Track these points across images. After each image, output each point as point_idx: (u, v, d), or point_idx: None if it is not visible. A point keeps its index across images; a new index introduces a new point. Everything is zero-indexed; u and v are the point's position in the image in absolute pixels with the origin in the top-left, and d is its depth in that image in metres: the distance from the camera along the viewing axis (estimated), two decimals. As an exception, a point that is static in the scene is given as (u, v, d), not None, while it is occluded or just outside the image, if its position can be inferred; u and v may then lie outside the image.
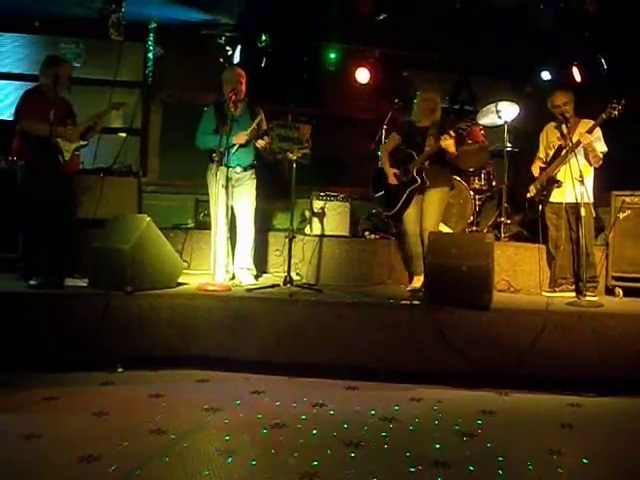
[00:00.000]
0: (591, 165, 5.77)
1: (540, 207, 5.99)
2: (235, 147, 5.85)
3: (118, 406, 4.10)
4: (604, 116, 5.56)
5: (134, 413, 4.01)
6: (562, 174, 5.80)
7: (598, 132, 5.75)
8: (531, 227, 6.96)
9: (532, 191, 6.07)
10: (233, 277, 6.07)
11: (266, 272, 6.69)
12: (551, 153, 6.00)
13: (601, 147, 5.75)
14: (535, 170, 6.09)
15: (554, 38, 7.19)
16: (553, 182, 5.89)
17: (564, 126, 5.86)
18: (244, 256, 6.11)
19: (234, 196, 6.02)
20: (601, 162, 5.76)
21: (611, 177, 6.00)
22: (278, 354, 5.03)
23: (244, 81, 5.97)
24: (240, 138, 5.85)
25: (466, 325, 4.92)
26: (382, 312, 5.14)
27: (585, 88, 7.18)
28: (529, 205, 6.15)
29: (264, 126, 6.10)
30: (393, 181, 6.11)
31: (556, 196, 5.92)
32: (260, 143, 5.96)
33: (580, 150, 5.70)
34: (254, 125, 5.92)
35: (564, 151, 5.78)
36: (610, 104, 5.51)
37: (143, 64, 8.09)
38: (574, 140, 5.66)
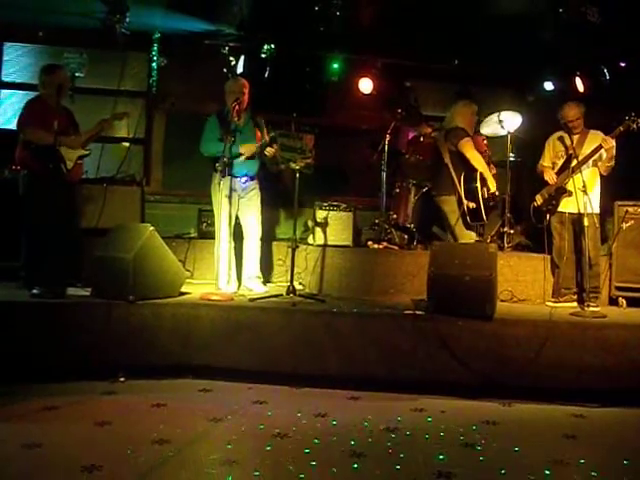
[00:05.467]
0: (601, 173, 5.77)
1: (548, 216, 5.97)
2: (242, 157, 5.87)
3: (120, 416, 4.09)
4: (621, 128, 5.57)
5: (136, 423, 4.01)
6: (570, 184, 5.77)
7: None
8: (534, 237, 6.96)
9: (539, 200, 6.06)
10: (239, 288, 6.05)
11: (269, 282, 6.68)
12: (559, 162, 5.98)
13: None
14: (551, 179, 5.98)
15: (556, 48, 7.20)
16: (562, 192, 5.86)
17: (571, 137, 5.84)
18: (254, 265, 6.17)
19: (241, 207, 6.05)
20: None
21: (615, 188, 5.99)
22: (281, 364, 5.02)
23: (247, 92, 6.02)
24: (248, 149, 5.89)
25: (469, 335, 4.91)
26: (385, 322, 5.12)
27: (587, 98, 7.17)
28: (535, 214, 6.13)
29: (266, 137, 6.13)
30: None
31: (563, 206, 5.90)
32: (270, 151, 5.99)
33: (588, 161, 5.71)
34: (264, 137, 5.96)
35: (575, 161, 5.71)
36: (629, 116, 5.51)
37: (147, 74, 8.12)
38: (584, 150, 5.66)
